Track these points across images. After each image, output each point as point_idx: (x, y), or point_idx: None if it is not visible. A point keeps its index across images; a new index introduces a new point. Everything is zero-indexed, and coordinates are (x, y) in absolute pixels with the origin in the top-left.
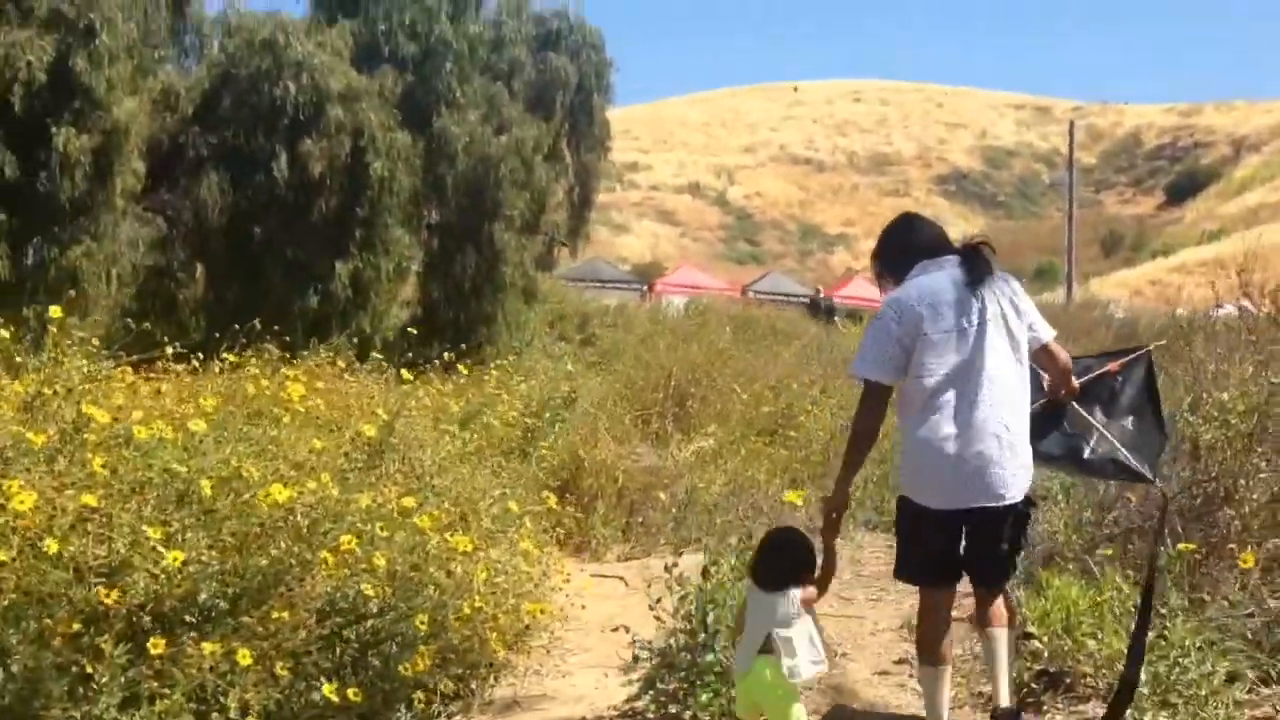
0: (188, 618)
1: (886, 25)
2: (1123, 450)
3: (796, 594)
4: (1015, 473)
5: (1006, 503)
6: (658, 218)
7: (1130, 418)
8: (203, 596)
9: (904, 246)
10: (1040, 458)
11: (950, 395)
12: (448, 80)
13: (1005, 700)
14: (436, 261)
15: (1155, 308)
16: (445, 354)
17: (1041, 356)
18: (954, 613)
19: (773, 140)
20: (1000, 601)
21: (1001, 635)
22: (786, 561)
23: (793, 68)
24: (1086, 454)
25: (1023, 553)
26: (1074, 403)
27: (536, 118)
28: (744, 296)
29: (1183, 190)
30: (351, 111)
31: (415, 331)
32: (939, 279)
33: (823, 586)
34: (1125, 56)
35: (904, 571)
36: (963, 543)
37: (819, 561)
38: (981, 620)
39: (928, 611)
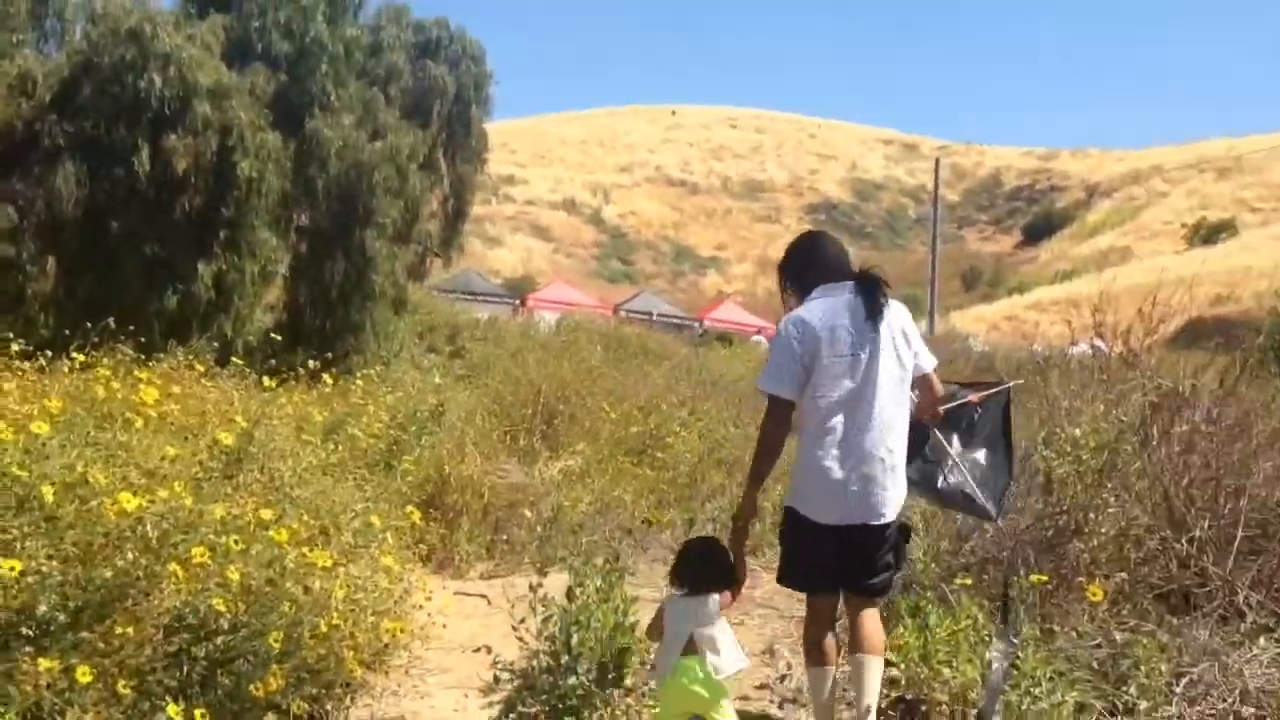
0: (24, 631)
1: (764, 55)
2: (970, 483)
3: (716, 598)
4: (894, 494)
5: (884, 521)
6: (532, 232)
7: (984, 451)
8: (41, 609)
9: (808, 263)
10: None
11: (841, 418)
12: (322, 82)
13: None
14: (304, 266)
15: (1011, 342)
16: (310, 361)
17: (920, 383)
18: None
19: (649, 161)
20: (877, 628)
21: (873, 662)
22: (708, 568)
23: (671, 91)
24: (940, 483)
25: (898, 575)
26: (935, 429)
27: (413, 125)
28: (615, 315)
29: (1039, 231)
30: (220, 108)
31: (279, 337)
32: (837, 305)
33: (736, 594)
34: (989, 100)
35: (788, 579)
36: (839, 556)
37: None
38: (855, 645)
39: (813, 616)
